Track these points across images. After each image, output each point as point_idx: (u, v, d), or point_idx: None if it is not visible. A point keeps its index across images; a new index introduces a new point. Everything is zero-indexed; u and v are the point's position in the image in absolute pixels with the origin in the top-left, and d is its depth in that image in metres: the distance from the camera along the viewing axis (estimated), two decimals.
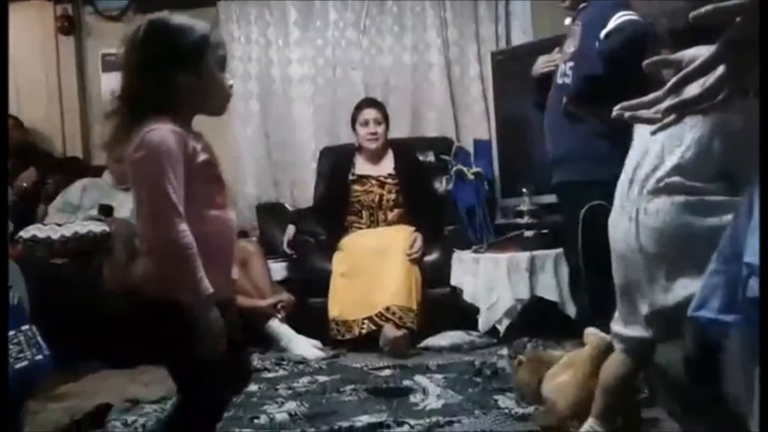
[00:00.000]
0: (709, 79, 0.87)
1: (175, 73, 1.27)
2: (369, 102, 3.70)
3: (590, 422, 1.66)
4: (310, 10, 4.27)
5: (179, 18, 1.32)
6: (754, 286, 0.92)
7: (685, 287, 1.42)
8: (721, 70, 0.85)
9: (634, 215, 1.53)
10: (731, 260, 1.00)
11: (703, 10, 0.83)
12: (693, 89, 0.91)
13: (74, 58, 4.43)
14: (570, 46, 2.51)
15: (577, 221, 2.33)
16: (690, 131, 1.49)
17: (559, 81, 2.52)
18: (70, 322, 2.54)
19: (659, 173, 1.51)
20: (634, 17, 2.30)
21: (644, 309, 1.53)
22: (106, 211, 3.52)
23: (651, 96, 0.99)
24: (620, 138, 1.81)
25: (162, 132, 1.23)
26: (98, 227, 3.34)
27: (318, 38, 4.27)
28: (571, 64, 2.47)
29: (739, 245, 0.99)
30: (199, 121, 1.39)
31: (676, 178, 1.49)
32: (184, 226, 1.22)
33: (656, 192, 1.51)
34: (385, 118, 3.63)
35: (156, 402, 2.40)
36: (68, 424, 2.11)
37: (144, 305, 1.29)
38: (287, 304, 3.22)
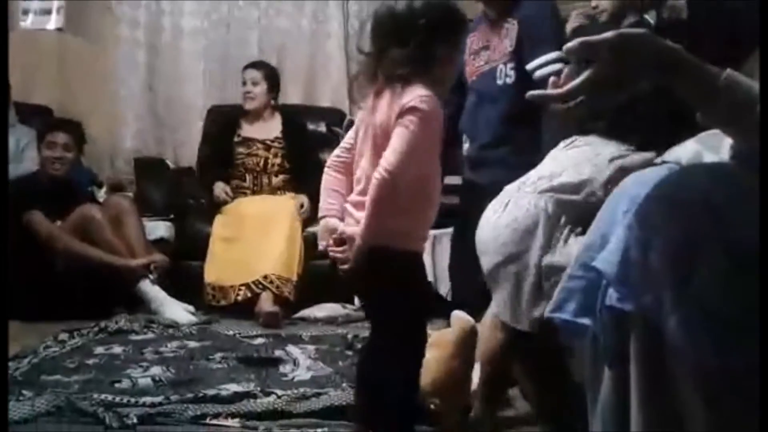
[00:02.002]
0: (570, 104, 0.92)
1: (438, 47, 1.45)
2: (252, 63, 3.63)
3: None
4: None
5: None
6: (612, 295, 0.99)
7: None
8: (580, 97, 0.91)
9: None
10: (587, 267, 1.08)
11: (572, 43, 0.88)
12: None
13: None
14: (506, 46, 2.46)
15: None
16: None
17: (499, 82, 2.48)
18: None
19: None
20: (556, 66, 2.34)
21: None
22: None
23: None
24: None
25: (434, 101, 1.43)
26: None
27: None
28: (512, 65, 2.44)
29: (593, 253, 1.08)
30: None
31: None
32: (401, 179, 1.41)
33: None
34: (268, 79, 3.54)
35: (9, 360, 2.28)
36: None
37: None
38: (160, 265, 3.12)
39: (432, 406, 1.80)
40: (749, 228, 0.90)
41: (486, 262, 1.72)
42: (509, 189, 1.77)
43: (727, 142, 1.07)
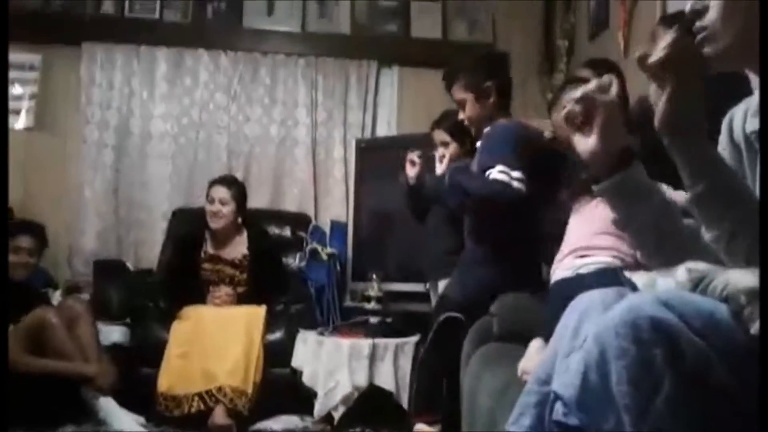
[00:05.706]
0: None
1: None
2: (220, 179, 3.58)
3: None
4: (180, 64, 4.20)
5: None
6: (559, 410, 1.00)
7: None
8: None
9: None
10: (543, 383, 1.09)
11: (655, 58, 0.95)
12: None
13: None
14: None
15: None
16: None
17: None
18: None
19: None
20: None
21: None
22: None
23: None
24: None
25: None
26: None
27: (185, 96, 4.20)
28: None
29: (549, 370, 1.09)
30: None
31: None
32: None
33: None
34: (236, 199, 3.48)
35: None
36: None
37: None
38: (107, 382, 2.93)
39: None
40: (702, 355, 0.92)
41: None
42: None
43: (680, 269, 1.11)
